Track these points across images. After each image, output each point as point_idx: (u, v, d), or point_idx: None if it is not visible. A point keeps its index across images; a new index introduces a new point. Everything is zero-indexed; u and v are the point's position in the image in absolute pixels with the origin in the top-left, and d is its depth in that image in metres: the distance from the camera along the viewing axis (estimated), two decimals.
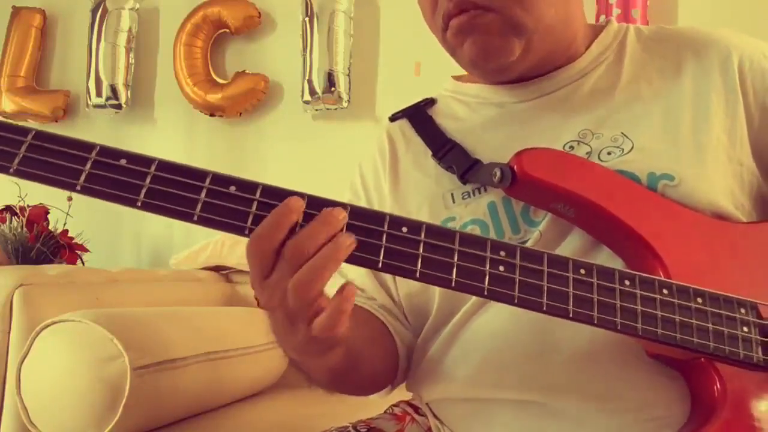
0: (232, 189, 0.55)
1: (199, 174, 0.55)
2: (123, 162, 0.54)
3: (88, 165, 0.54)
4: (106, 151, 0.54)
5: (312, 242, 0.53)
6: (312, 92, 2.33)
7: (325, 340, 0.58)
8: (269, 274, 0.54)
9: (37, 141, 0.54)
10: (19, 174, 0.53)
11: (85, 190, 0.53)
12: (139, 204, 0.53)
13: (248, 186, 0.55)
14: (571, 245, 0.70)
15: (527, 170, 0.67)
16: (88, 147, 0.54)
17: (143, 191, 0.54)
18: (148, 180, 0.54)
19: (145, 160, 0.55)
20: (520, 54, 0.75)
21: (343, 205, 0.56)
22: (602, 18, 2.14)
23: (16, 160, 0.53)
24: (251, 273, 0.56)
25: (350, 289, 0.55)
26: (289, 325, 0.57)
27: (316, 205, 0.55)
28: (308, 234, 0.54)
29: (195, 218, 0.54)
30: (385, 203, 0.83)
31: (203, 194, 0.54)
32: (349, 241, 0.54)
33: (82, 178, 0.53)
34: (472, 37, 0.74)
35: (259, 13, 2.47)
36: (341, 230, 0.55)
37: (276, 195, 0.55)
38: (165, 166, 0.55)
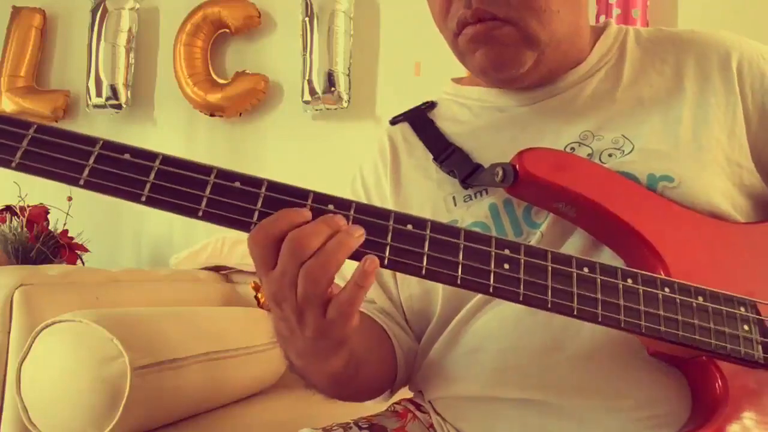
0: (237, 184, 0.54)
1: (204, 169, 0.54)
2: (127, 156, 0.53)
3: (92, 159, 0.53)
4: (109, 145, 0.54)
5: (315, 237, 0.53)
6: (312, 92, 2.33)
7: (335, 331, 0.57)
8: (273, 266, 0.54)
9: (39, 134, 0.53)
10: (22, 168, 0.52)
11: (89, 185, 0.52)
12: (143, 199, 0.53)
13: (253, 182, 0.55)
14: (573, 246, 0.70)
15: (529, 169, 0.67)
16: (91, 141, 0.53)
17: (147, 186, 0.53)
18: (152, 175, 0.53)
19: (149, 155, 0.54)
20: (531, 66, 0.76)
21: (349, 202, 0.56)
22: (602, 18, 2.14)
23: (18, 154, 0.52)
24: (256, 267, 0.55)
25: (372, 262, 0.54)
26: (297, 319, 0.56)
27: (321, 200, 0.55)
28: (312, 229, 0.53)
29: (200, 214, 0.53)
30: (386, 205, 0.82)
31: (208, 190, 0.54)
32: (359, 232, 0.54)
33: (86, 172, 0.52)
34: (485, 48, 0.74)
35: (259, 13, 2.47)
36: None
37: (281, 191, 0.55)
38: (169, 160, 0.54)
